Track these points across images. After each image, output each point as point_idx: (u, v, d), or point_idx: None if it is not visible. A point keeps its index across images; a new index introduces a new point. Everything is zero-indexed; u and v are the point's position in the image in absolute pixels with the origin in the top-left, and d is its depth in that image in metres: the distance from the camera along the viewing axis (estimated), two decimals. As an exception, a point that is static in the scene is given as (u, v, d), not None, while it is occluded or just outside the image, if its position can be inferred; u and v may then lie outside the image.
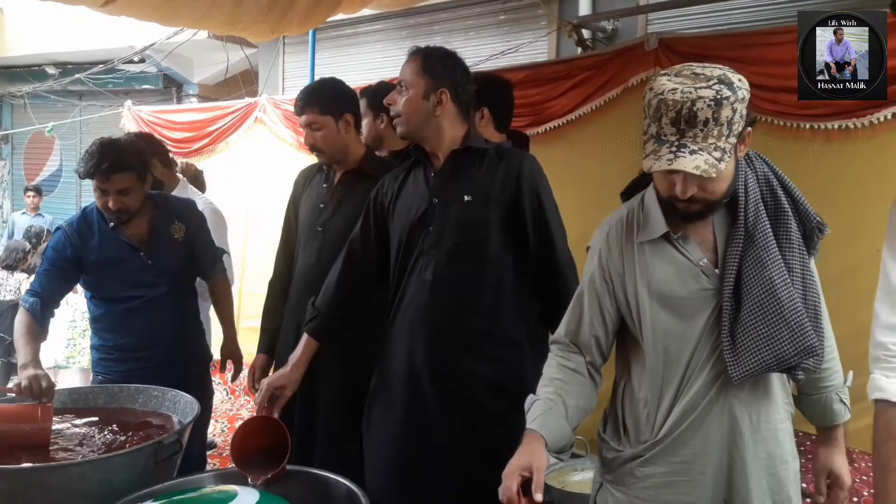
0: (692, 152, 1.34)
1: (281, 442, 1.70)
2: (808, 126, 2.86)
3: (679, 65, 1.44)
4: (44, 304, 2.37)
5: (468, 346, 1.94)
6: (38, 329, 2.32)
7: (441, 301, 1.94)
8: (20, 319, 2.32)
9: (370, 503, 1.54)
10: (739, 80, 1.38)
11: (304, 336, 2.06)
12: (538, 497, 1.33)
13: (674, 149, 1.34)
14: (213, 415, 3.61)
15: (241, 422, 4.45)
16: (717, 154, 1.35)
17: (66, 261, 2.46)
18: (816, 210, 1.50)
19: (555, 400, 1.52)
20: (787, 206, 1.46)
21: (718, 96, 1.34)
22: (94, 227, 2.51)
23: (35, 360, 2.13)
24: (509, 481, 1.36)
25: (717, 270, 1.47)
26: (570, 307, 1.64)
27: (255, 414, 1.95)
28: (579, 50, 4.29)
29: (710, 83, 1.35)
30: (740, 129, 1.39)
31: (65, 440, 1.87)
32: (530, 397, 1.56)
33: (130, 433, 1.92)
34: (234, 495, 1.22)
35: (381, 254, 2.09)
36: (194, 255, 2.67)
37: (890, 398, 1.20)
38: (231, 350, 2.84)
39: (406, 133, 2.02)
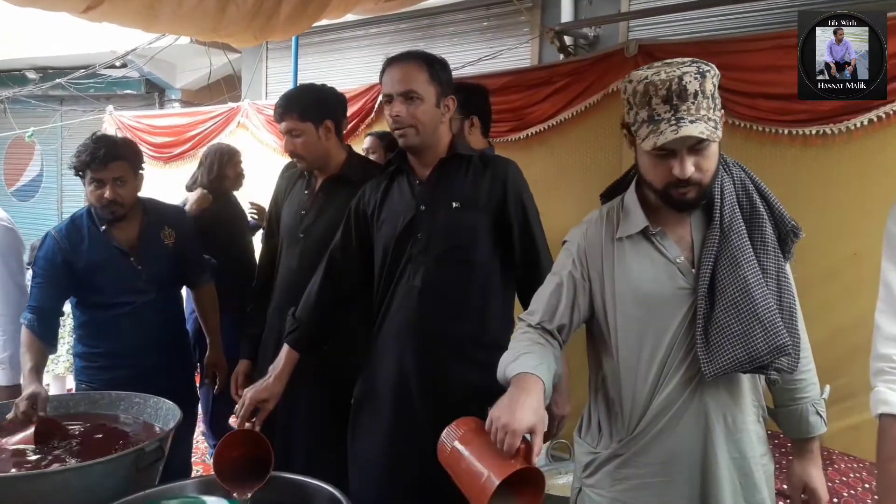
0: (691, 122, 1.38)
1: (263, 454, 1.68)
2: (786, 132, 2.90)
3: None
4: (41, 318, 2.34)
5: (457, 352, 1.95)
6: (39, 345, 2.30)
7: (430, 307, 1.94)
8: (21, 337, 2.31)
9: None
10: (707, 63, 1.46)
11: (285, 347, 2.04)
12: (535, 460, 1.29)
13: (673, 122, 1.39)
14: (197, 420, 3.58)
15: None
16: (712, 124, 1.40)
17: (58, 268, 2.44)
18: (794, 214, 1.53)
19: (541, 359, 1.47)
20: (763, 210, 1.49)
21: (700, 70, 1.41)
22: (83, 232, 2.50)
23: (28, 381, 2.12)
24: (513, 438, 1.28)
25: (693, 270, 1.49)
26: (548, 295, 1.61)
27: (236, 425, 1.93)
28: (561, 56, 4.32)
29: (686, 64, 1.43)
30: (720, 106, 1.45)
31: (46, 448, 1.86)
32: (509, 354, 1.50)
33: (112, 440, 1.91)
34: None
35: (362, 262, 2.08)
36: (183, 262, 2.67)
37: None
38: (216, 360, 2.84)
39: (419, 144, 1.97)
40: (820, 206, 2.81)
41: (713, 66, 1.45)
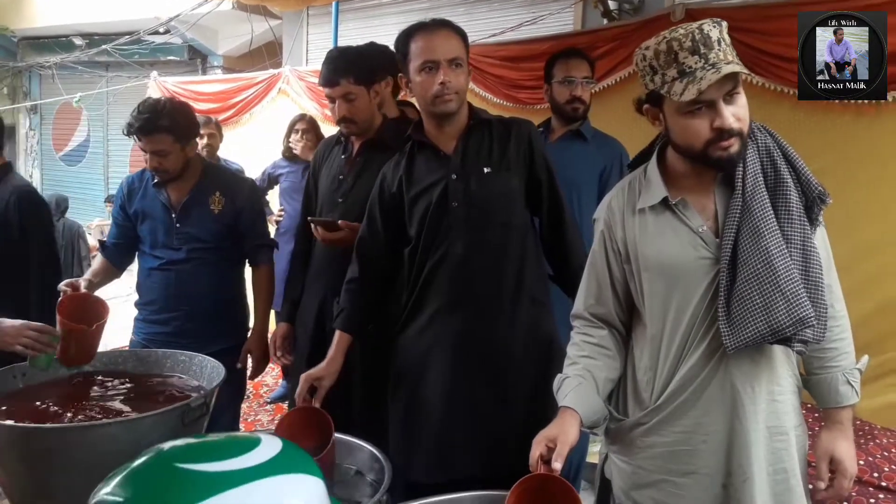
0: (726, 63, 1.36)
1: (324, 426, 1.72)
2: (837, 100, 2.81)
3: None
4: (108, 250, 2.67)
5: (503, 314, 1.97)
6: (106, 263, 2.63)
7: (474, 273, 1.96)
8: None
9: (393, 477, 1.58)
10: None
11: (337, 332, 2.09)
12: (556, 465, 1.36)
13: (708, 67, 1.36)
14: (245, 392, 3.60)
15: (265, 388, 4.50)
16: (740, 67, 1.38)
17: (119, 213, 2.68)
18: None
19: (584, 376, 1.54)
20: (789, 177, 1.44)
21: (715, 21, 1.41)
22: (144, 182, 2.66)
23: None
24: (533, 449, 1.40)
25: (717, 239, 1.46)
26: (585, 279, 1.66)
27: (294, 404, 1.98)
28: (605, 21, 4.24)
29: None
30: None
31: (96, 402, 1.93)
32: (558, 377, 1.58)
33: (158, 396, 1.97)
34: (258, 441, 1.23)
35: (391, 245, 2.10)
36: (234, 233, 2.64)
37: None
38: (255, 344, 2.66)
39: (458, 109, 1.98)
40: (870, 177, 2.73)
41: None
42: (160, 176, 2.56)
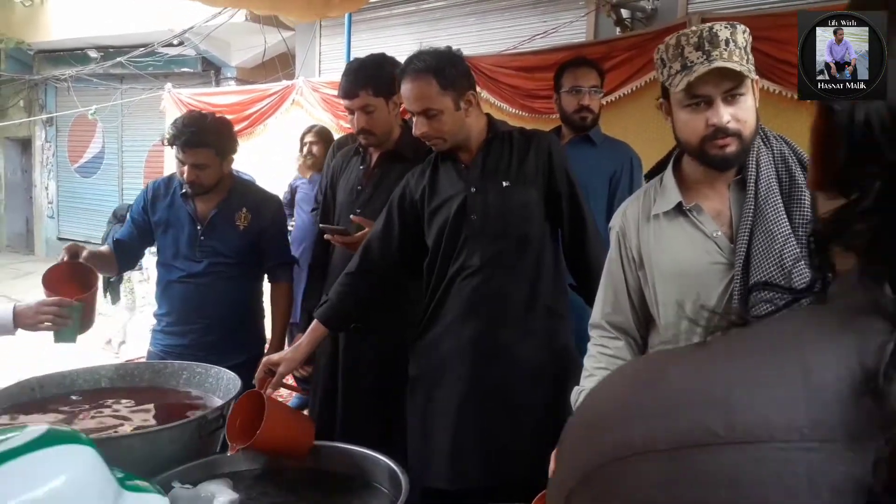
0: (724, 60, 1.37)
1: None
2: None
3: None
4: (118, 244, 2.63)
5: (517, 325, 1.97)
6: (113, 257, 2.58)
7: (490, 285, 1.96)
8: None
9: (411, 482, 1.57)
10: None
11: (315, 321, 2.08)
12: None
13: (705, 62, 1.38)
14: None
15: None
16: (746, 68, 1.38)
17: (140, 214, 2.65)
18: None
19: None
20: (804, 182, 1.44)
21: (731, 24, 1.41)
22: (170, 190, 2.63)
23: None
24: (552, 463, 1.39)
25: (731, 244, 1.46)
26: (602, 288, 1.66)
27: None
28: (618, 30, 4.24)
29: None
30: (754, 64, 1.42)
31: (113, 414, 1.93)
32: (576, 389, 1.58)
33: (176, 408, 1.97)
34: (24, 426, 1.15)
35: (401, 252, 2.10)
36: (258, 250, 2.65)
37: None
38: None
39: (450, 147, 2.02)
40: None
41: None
42: (195, 189, 2.54)
